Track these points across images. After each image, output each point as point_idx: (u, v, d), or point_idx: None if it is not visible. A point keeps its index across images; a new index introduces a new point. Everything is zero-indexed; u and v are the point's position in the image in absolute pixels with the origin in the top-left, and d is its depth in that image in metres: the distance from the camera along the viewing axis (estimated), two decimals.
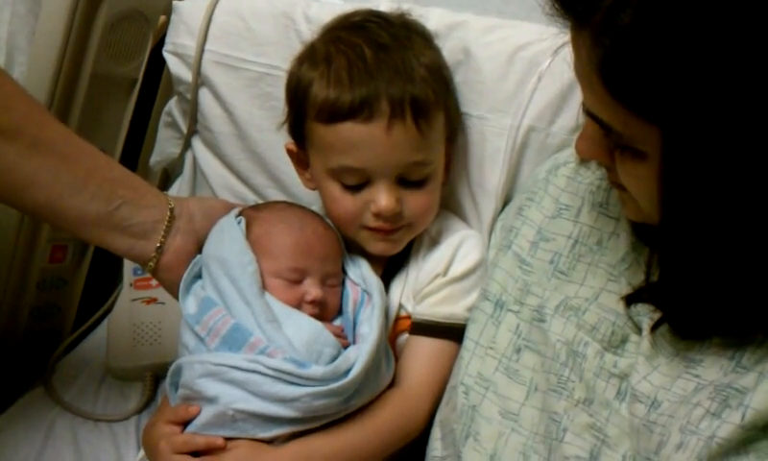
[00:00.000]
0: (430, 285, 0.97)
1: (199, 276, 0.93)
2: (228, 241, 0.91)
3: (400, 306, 0.98)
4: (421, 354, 0.95)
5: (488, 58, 1.00)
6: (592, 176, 0.91)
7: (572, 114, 0.97)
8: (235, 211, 0.96)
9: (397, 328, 0.98)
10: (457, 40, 1.03)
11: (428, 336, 0.96)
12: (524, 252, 0.92)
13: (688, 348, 0.75)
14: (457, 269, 0.98)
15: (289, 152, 1.01)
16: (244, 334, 0.85)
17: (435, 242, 1.00)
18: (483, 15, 1.06)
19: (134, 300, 1.19)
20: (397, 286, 0.99)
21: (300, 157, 1.00)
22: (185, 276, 0.92)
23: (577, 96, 0.91)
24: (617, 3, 0.64)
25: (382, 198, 0.92)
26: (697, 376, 0.73)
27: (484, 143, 1.01)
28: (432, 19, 1.04)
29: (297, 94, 0.95)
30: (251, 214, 0.96)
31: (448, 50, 1.02)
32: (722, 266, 0.70)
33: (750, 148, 0.64)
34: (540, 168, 0.98)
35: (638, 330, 0.81)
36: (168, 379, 0.91)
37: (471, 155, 1.03)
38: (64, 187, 0.86)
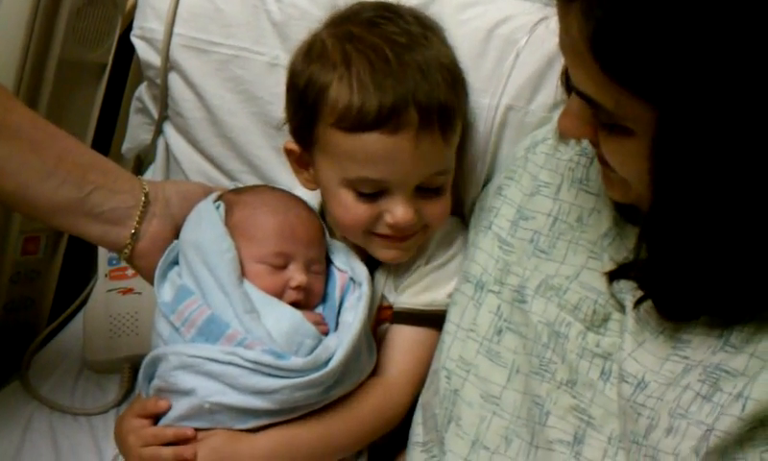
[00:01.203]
0: (412, 275, 0.96)
1: (175, 262, 0.91)
2: (205, 226, 0.89)
3: (383, 296, 0.96)
4: (403, 343, 0.94)
5: (464, 36, 0.98)
6: (571, 152, 0.90)
7: (550, 92, 0.95)
8: (214, 195, 0.94)
9: (379, 317, 0.96)
10: (432, 18, 1.00)
11: (409, 325, 0.95)
12: (504, 231, 0.91)
13: (675, 326, 0.74)
14: (438, 257, 0.96)
15: (288, 151, 0.96)
16: (221, 326, 0.84)
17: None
18: None
19: (110, 290, 1.17)
20: (381, 275, 0.97)
21: (302, 158, 0.95)
22: (161, 262, 0.89)
23: (555, 73, 0.89)
24: None
25: (399, 210, 0.88)
26: (686, 357, 0.72)
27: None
28: None
29: (307, 96, 0.88)
30: (231, 198, 0.93)
31: None
32: (711, 246, 0.69)
33: (746, 127, 0.63)
34: (518, 146, 0.96)
35: (621, 308, 0.80)
36: (141, 371, 0.89)
37: None
38: (33, 174, 0.84)
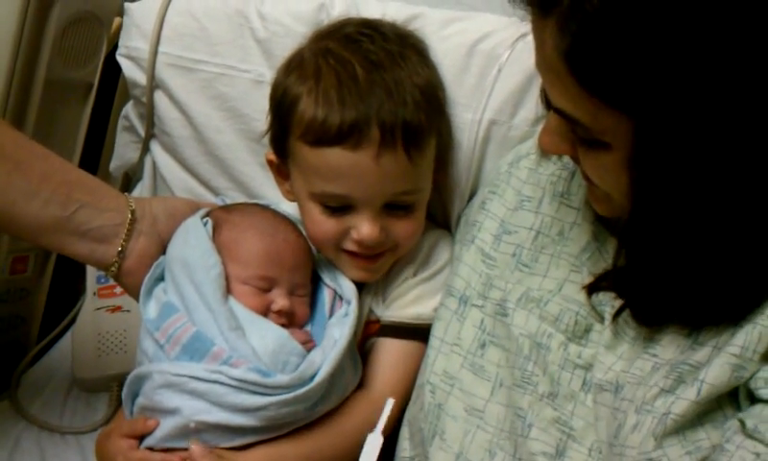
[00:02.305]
0: (399, 288, 0.96)
1: (161, 278, 0.91)
2: (192, 243, 0.89)
3: (370, 310, 0.97)
4: (389, 357, 0.94)
5: (446, 51, 0.99)
6: (553, 167, 0.91)
7: (533, 106, 0.96)
8: (201, 212, 0.94)
9: (366, 332, 0.96)
10: (417, 35, 1.01)
11: (396, 338, 0.95)
12: (487, 246, 0.91)
13: (649, 331, 0.75)
14: (426, 270, 0.97)
15: (269, 162, 0.97)
16: (205, 344, 0.84)
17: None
18: (441, 6, 1.05)
19: (98, 308, 1.17)
20: (369, 289, 0.97)
21: (282, 169, 0.96)
22: (146, 278, 0.89)
23: (537, 87, 0.90)
24: None
25: (364, 227, 0.88)
26: (654, 355, 0.74)
27: None
28: (388, 13, 1.02)
29: (282, 107, 0.91)
30: (220, 216, 0.93)
31: None
32: (687, 252, 0.70)
33: (720, 135, 0.63)
34: (502, 161, 0.97)
35: (602, 320, 0.80)
36: (125, 389, 0.88)
37: None
38: (18, 193, 0.84)
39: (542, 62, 0.71)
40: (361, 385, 0.92)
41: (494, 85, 0.98)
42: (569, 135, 0.74)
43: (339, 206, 0.89)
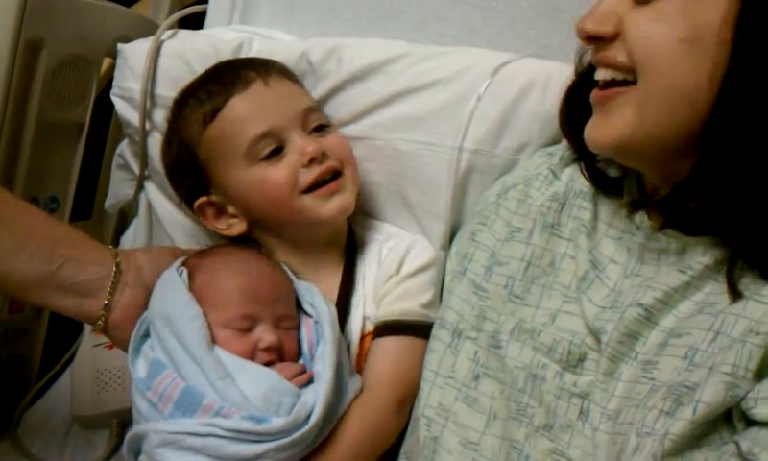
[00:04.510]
0: (386, 285, 0.97)
1: (148, 335, 0.90)
2: (171, 296, 0.89)
3: (364, 324, 0.97)
4: (383, 354, 0.94)
5: (426, 85, 1.00)
6: (543, 197, 0.91)
7: (514, 135, 0.97)
8: (177, 262, 0.94)
9: (366, 347, 0.97)
10: (394, 73, 1.03)
11: (387, 336, 0.95)
12: (479, 277, 0.92)
13: (646, 356, 0.75)
14: (409, 267, 0.98)
15: (203, 210, 0.99)
16: (196, 397, 0.83)
17: (386, 249, 1.00)
18: (424, 40, 1.06)
19: (96, 345, 1.17)
20: (357, 303, 0.98)
21: (215, 204, 0.99)
22: (133, 337, 0.89)
23: (518, 117, 0.91)
24: None
25: (300, 143, 0.94)
26: (652, 378, 0.74)
27: (426, 168, 1.01)
28: (367, 52, 1.04)
29: (176, 147, 0.99)
30: (193, 263, 0.93)
31: (385, 82, 1.02)
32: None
33: None
34: (489, 192, 0.97)
35: (597, 346, 0.80)
36: (125, 447, 0.88)
37: (414, 180, 1.03)
38: (3, 250, 0.84)
39: None
40: (362, 388, 0.92)
41: (474, 114, 0.99)
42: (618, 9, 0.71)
43: (272, 151, 0.94)
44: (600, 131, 0.77)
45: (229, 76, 0.97)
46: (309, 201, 0.94)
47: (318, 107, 1.00)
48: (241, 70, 0.98)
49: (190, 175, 0.99)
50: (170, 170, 1.03)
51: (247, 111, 0.94)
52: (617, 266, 0.82)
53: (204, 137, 0.96)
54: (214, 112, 0.95)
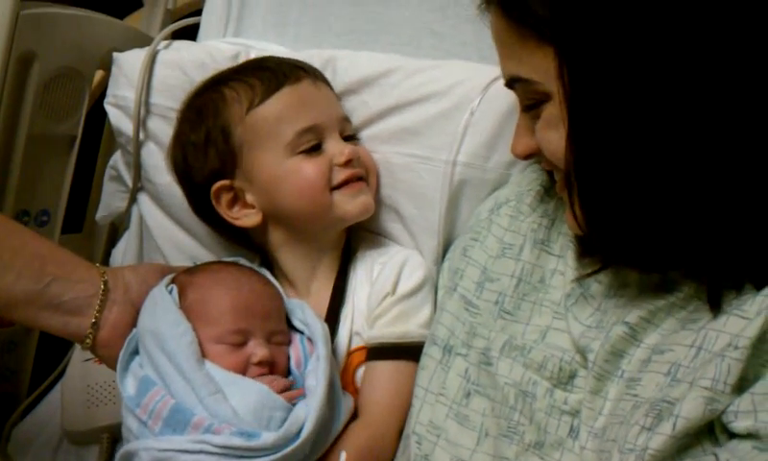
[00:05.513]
0: (380, 306, 0.96)
1: (136, 352, 0.90)
2: (159, 313, 0.89)
3: (351, 339, 0.97)
4: (380, 380, 0.94)
5: (420, 98, 1.01)
6: (534, 214, 0.91)
7: (506, 149, 0.95)
8: (167, 280, 0.93)
9: (353, 362, 0.96)
10: (388, 86, 1.03)
11: (384, 359, 0.95)
12: (470, 293, 0.91)
13: (630, 372, 0.75)
14: (405, 286, 0.97)
15: (219, 194, 0.99)
16: (185, 415, 0.83)
17: (378, 265, 1.00)
18: (417, 54, 1.06)
19: (87, 360, 1.16)
20: (346, 316, 0.98)
21: (233, 190, 0.99)
22: (121, 354, 0.89)
23: (510, 130, 0.91)
24: None
25: (339, 146, 0.98)
26: (635, 395, 0.74)
27: (419, 181, 1.01)
28: (361, 64, 1.04)
29: (210, 127, 0.99)
30: (183, 280, 0.93)
31: (379, 95, 1.03)
32: (639, 195, 0.71)
33: (650, 75, 0.66)
34: (481, 207, 0.97)
35: (585, 362, 0.80)
36: None
37: (407, 194, 1.03)
38: None
39: (494, 39, 0.78)
40: (356, 413, 0.92)
41: (467, 129, 0.99)
42: (531, 127, 0.78)
43: (312, 147, 0.97)
44: None
45: (281, 68, 1.00)
46: (338, 197, 0.97)
47: (347, 116, 1.04)
48: (291, 66, 1.01)
49: (218, 156, 0.99)
50: (190, 151, 1.01)
51: (297, 103, 0.97)
52: (601, 286, 0.82)
53: (247, 120, 0.97)
54: (263, 98, 0.97)
